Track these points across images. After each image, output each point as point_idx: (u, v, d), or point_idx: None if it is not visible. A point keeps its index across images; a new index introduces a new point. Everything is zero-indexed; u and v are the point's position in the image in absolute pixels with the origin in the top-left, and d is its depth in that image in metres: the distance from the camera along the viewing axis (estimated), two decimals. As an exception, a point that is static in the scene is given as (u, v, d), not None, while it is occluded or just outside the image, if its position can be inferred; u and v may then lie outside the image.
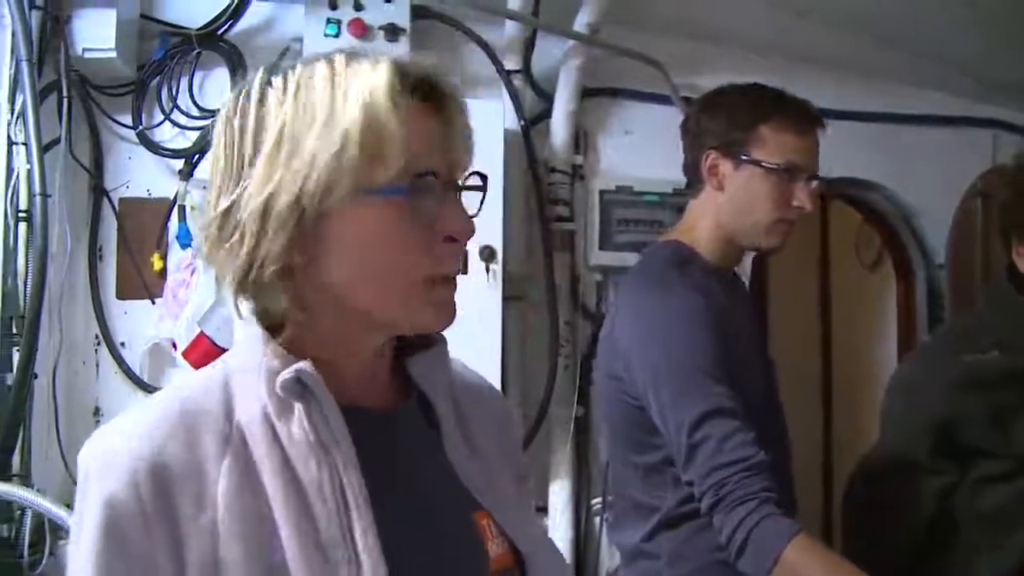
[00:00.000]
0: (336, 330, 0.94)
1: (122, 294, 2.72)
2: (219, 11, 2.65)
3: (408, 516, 0.93)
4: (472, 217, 0.93)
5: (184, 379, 0.97)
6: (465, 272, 2.18)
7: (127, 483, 0.84)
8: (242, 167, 0.89)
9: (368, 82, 0.87)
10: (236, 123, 0.90)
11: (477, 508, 0.99)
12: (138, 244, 2.71)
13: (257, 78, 0.91)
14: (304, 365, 0.88)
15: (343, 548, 0.86)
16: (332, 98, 0.87)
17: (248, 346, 0.94)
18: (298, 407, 0.89)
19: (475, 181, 0.96)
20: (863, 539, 1.74)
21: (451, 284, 0.93)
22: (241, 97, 0.91)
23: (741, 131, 1.73)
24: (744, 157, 1.72)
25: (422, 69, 0.91)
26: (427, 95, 0.92)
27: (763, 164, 1.71)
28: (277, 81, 0.90)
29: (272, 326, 0.94)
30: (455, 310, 0.94)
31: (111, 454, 0.86)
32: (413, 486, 0.96)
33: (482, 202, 0.95)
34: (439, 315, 0.94)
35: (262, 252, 0.87)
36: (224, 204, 0.89)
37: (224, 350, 2.47)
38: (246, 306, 0.94)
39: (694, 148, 1.80)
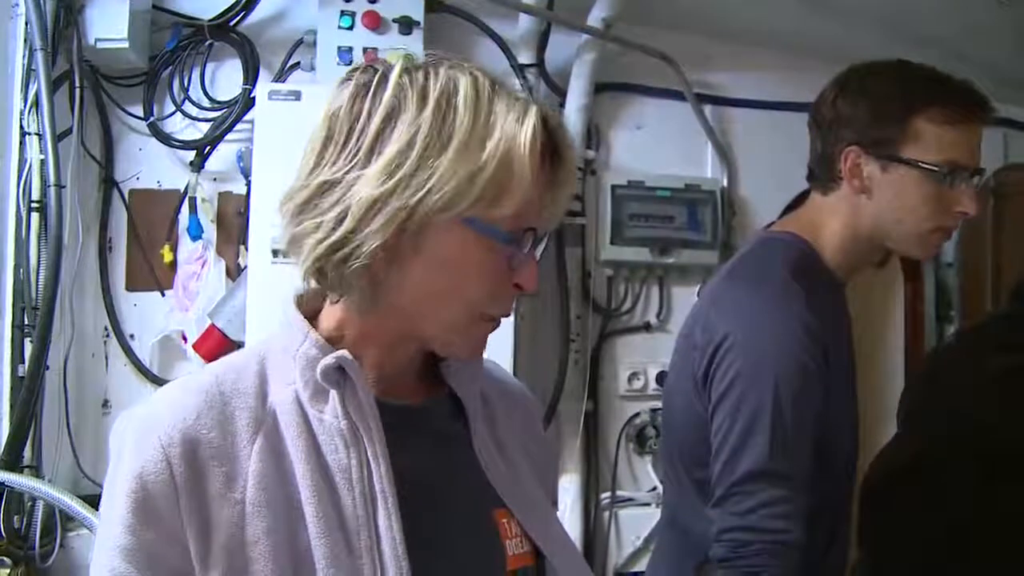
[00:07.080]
0: (381, 331, 0.96)
1: (132, 286, 2.71)
2: (231, 2, 2.64)
3: (428, 507, 0.94)
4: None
5: (222, 359, 0.98)
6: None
7: (160, 457, 0.86)
8: (358, 150, 0.89)
9: (514, 121, 0.89)
10: (363, 105, 0.90)
11: (499, 506, 1.00)
12: (148, 236, 2.70)
13: (396, 68, 0.92)
14: (345, 353, 0.91)
15: (366, 535, 0.88)
16: (474, 123, 0.88)
17: (287, 331, 0.96)
18: (333, 394, 0.91)
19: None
20: (886, 539, 1.69)
21: (496, 324, 0.97)
22: (375, 80, 0.91)
23: (890, 125, 1.46)
24: (894, 157, 1.46)
25: (557, 124, 0.94)
26: (552, 153, 0.94)
27: (920, 165, 1.45)
28: (418, 79, 0.90)
29: (308, 314, 0.96)
30: (485, 347, 1.00)
31: (146, 428, 0.88)
32: (436, 478, 0.98)
33: (540, 256, 1.00)
34: (474, 349, 0.99)
35: (357, 240, 0.87)
36: (323, 177, 0.90)
37: (235, 342, 2.51)
38: (300, 284, 0.96)
39: (828, 141, 1.53)
